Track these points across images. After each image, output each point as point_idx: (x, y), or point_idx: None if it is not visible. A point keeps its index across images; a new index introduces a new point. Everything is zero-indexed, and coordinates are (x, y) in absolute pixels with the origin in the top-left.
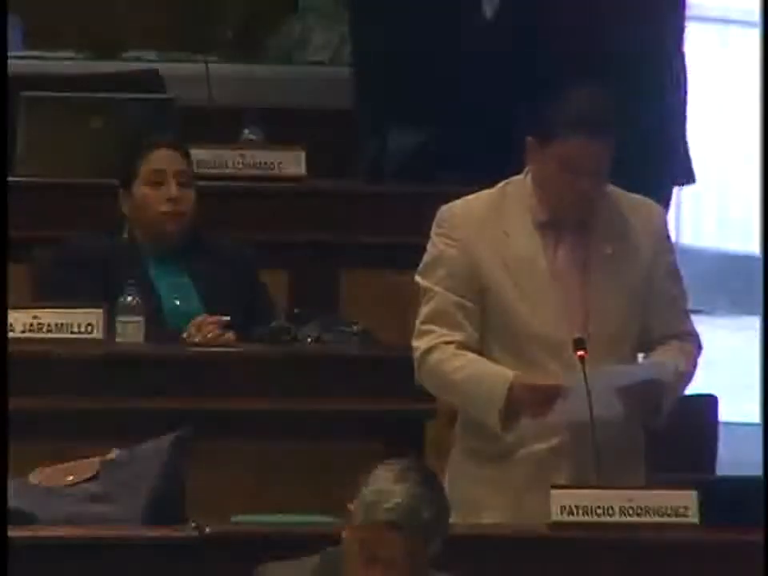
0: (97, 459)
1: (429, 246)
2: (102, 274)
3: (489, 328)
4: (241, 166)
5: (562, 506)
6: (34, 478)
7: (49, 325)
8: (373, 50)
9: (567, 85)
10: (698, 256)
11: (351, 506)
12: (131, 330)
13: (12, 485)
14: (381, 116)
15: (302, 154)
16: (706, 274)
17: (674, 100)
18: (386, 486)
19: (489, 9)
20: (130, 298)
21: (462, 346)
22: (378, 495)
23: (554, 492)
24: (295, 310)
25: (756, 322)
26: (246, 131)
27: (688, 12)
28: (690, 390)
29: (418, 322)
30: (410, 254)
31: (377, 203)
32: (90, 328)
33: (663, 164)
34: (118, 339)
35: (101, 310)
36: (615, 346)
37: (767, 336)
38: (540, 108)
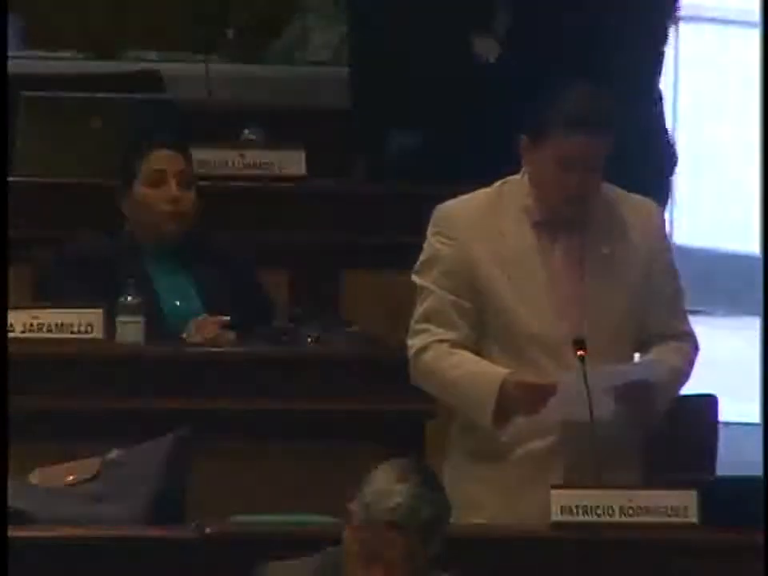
0: (97, 459)
1: (425, 246)
2: (101, 273)
3: (486, 327)
4: (241, 166)
5: (561, 506)
6: (33, 478)
7: (49, 325)
8: (372, 51)
9: (560, 84)
10: (693, 255)
11: (351, 506)
12: (131, 330)
13: (12, 485)
14: (380, 116)
15: (302, 154)
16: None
17: (659, 95)
18: (386, 486)
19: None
20: (129, 298)
21: (457, 345)
22: (379, 495)
23: (553, 492)
24: (295, 310)
25: (752, 322)
26: (246, 131)
27: (680, 12)
28: (690, 390)
29: (413, 320)
30: (409, 254)
31: (377, 203)
32: (90, 328)
33: (660, 160)
34: (117, 339)
35: (100, 310)
36: (612, 346)
37: (767, 336)
38: (533, 106)
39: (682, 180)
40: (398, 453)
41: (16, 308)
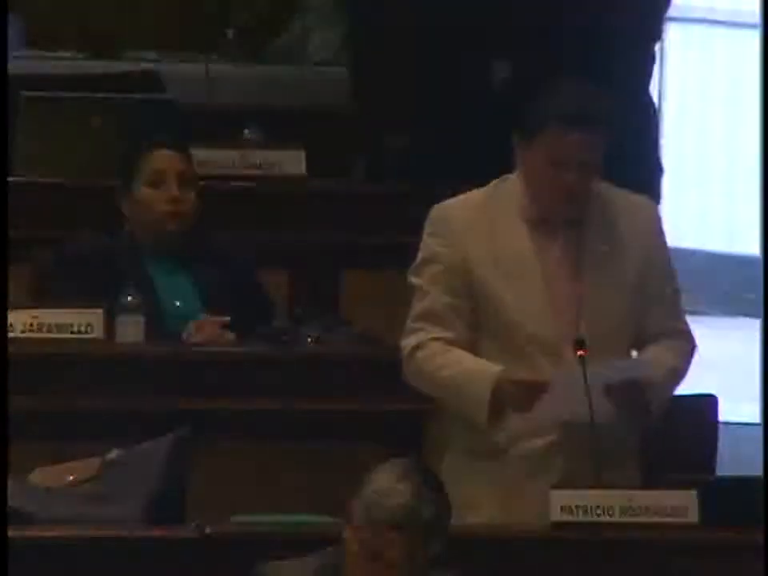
0: (97, 459)
1: (421, 246)
2: (101, 273)
3: (482, 327)
4: (241, 166)
5: (561, 506)
6: (34, 478)
7: (49, 325)
8: (373, 51)
9: (554, 83)
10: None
11: (351, 506)
12: (131, 330)
13: (12, 485)
14: (381, 116)
15: (302, 154)
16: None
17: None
18: (386, 485)
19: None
20: (130, 298)
21: (451, 344)
22: (379, 495)
23: (553, 492)
24: (295, 310)
25: (741, 322)
26: (246, 131)
27: (670, 13)
28: (690, 390)
29: (408, 320)
30: (409, 254)
31: (377, 203)
32: (89, 328)
33: (652, 158)
34: (118, 339)
35: (101, 310)
36: (609, 344)
37: (767, 336)
38: (527, 105)
39: (665, 181)
40: (397, 453)
41: (16, 308)
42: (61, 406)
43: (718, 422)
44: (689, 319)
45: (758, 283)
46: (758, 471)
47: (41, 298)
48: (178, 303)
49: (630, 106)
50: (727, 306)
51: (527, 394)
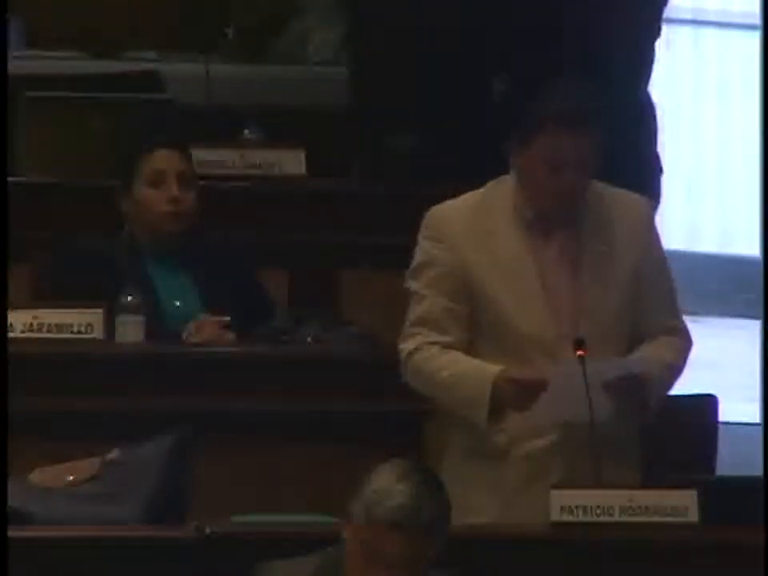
0: (97, 459)
1: (417, 250)
2: (101, 273)
3: (480, 329)
4: (241, 166)
5: (561, 506)
6: (34, 477)
7: (49, 325)
8: (373, 51)
9: (547, 84)
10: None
11: (351, 506)
12: (131, 330)
13: (12, 485)
14: (381, 116)
15: (302, 154)
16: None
17: (648, 94)
18: (387, 485)
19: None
20: (129, 298)
21: (449, 348)
22: (380, 495)
23: (553, 492)
24: (295, 310)
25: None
26: (246, 131)
27: (665, 14)
28: (691, 390)
29: (405, 324)
30: (409, 254)
31: (377, 203)
32: (89, 328)
33: (651, 158)
34: (117, 339)
35: (100, 310)
36: (606, 343)
37: (767, 337)
38: (519, 107)
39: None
40: (397, 453)
41: (16, 308)
42: (61, 406)
43: (717, 422)
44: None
45: (750, 284)
46: (758, 471)
47: (41, 297)
48: (177, 303)
49: (629, 105)
50: (716, 306)
51: (526, 392)
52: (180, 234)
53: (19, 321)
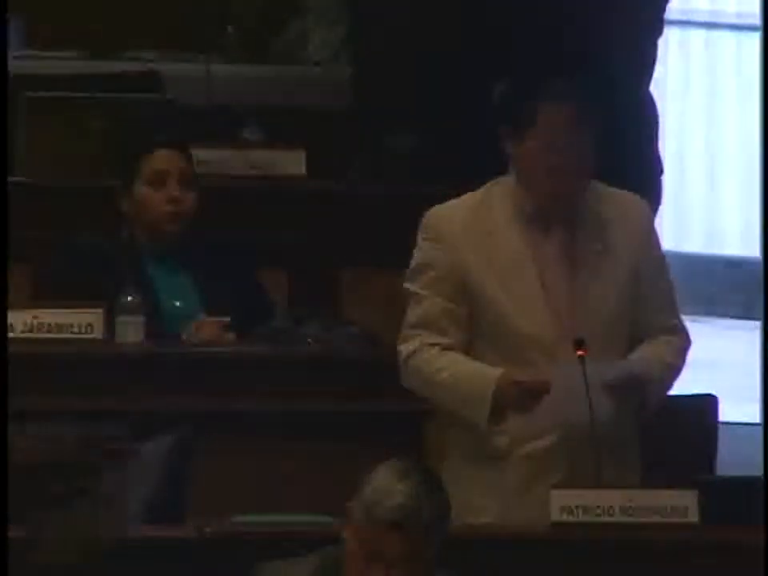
0: None
1: (415, 251)
2: (101, 273)
3: (479, 329)
4: (241, 166)
5: (561, 506)
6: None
7: (49, 325)
8: (374, 52)
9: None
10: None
11: (351, 506)
12: (131, 330)
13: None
14: (381, 116)
15: (302, 154)
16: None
17: (650, 93)
18: (387, 485)
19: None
20: (129, 298)
21: (448, 349)
22: (380, 495)
23: (553, 492)
24: (295, 310)
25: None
26: (246, 131)
27: (668, 15)
28: (691, 390)
29: (404, 326)
30: (409, 255)
31: (377, 203)
32: (89, 328)
33: (652, 157)
34: (117, 339)
35: (100, 310)
36: (606, 343)
37: (767, 336)
38: (514, 95)
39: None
40: (398, 453)
41: (16, 308)
42: (61, 406)
43: (717, 422)
44: None
45: (739, 284)
46: (758, 471)
47: (41, 297)
48: (177, 303)
49: (630, 105)
50: (705, 306)
51: (529, 395)
52: (180, 234)
53: (19, 321)
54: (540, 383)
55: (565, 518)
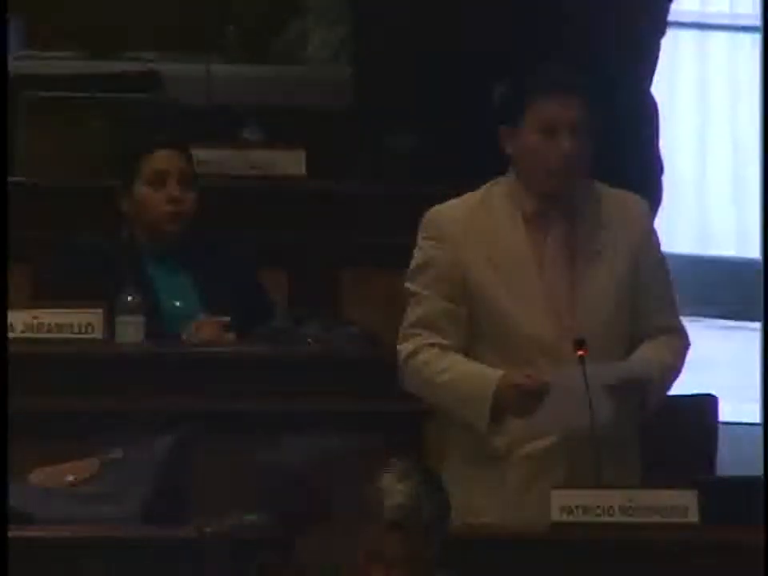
0: (97, 459)
1: (416, 251)
2: (101, 273)
3: (478, 329)
4: (241, 166)
5: (561, 506)
6: (34, 478)
7: (49, 325)
8: (374, 52)
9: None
10: None
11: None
12: (131, 330)
13: (12, 485)
14: (381, 116)
15: (302, 154)
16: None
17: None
18: (387, 485)
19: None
20: (129, 298)
21: (448, 350)
22: (380, 495)
23: (554, 492)
24: (295, 310)
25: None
26: (246, 131)
27: (672, 16)
28: (690, 390)
29: (404, 325)
30: (409, 255)
31: (377, 203)
32: (89, 328)
33: (652, 157)
34: (117, 339)
35: (100, 310)
36: (605, 343)
37: (767, 336)
38: (510, 95)
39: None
40: (397, 453)
41: (16, 308)
42: (61, 406)
43: (718, 422)
44: None
45: (730, 285)
46: (758, 471)
47: (41, 297)
48: (177, 303)
49: (631, 105)
50: (696, 307)
51: (530, 398)
52: (180, 234)
53: (19, 321)
54: (540, 385)
55: (565, 517)
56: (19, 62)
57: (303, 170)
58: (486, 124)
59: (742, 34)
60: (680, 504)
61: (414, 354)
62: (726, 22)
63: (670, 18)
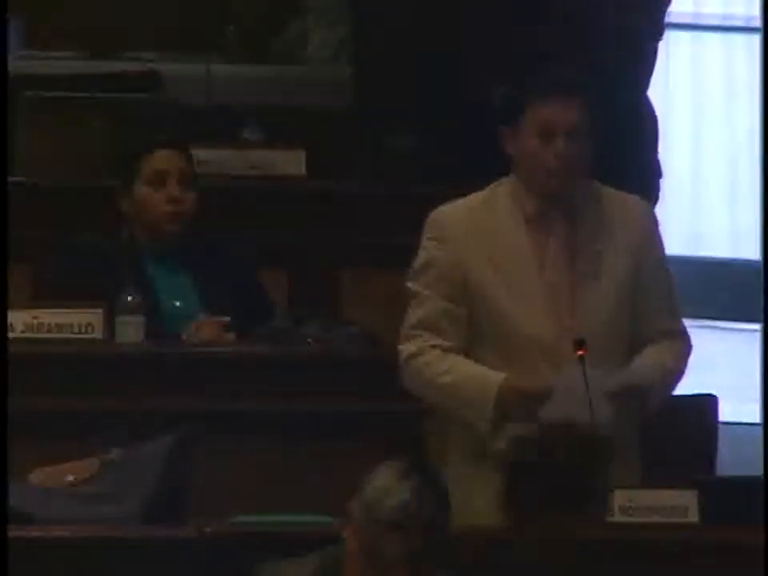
0: (97, 459)
1: (419, 251)
2: (101, 273)
3: (479, 329)
4: (241, 166)
5: None
6: (34, 478)
7: (49, 325)
8: (375, 52)
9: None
10: None
11: (351, 506)
12: (131, 330)
13: (12, 485)
14: (381, 116)
15: (302, 154)
16: None
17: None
18: (387, 485)
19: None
20: (129, 298)
21: (449, 351)
22: (380, 494)
23: None
24: (295, 310)
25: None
26: (246, 131)
27: (666, 18)
28: (691, 390)
29: (405, 326)
30: (409, 254)
31: (377, 203)
32: (89, 328)
33: (650, 160)
34: (117, 339)
35: (100, 310)
36: (606, 346)
37: (767, 337)
38: (509, 97)
39: None
40: (397, 453)
41: (16, 308)
42: (61, 406)
43: (718, 422)
44: None
45: (723, 286)
46: (758, 471)
47: (41, 297)
48: (177, 303)
49: (630, 108)
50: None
51: (531, 401)
52: (180, 234)
53: (19, 321)
54: (541, 389)
55: None
56: (19, 62)
57: (303, 170)
58: (486, 124)
59: (735, 34)
60: (680, 504)
61: (415, 355)
62: (719, 23)
63: (666, 19)
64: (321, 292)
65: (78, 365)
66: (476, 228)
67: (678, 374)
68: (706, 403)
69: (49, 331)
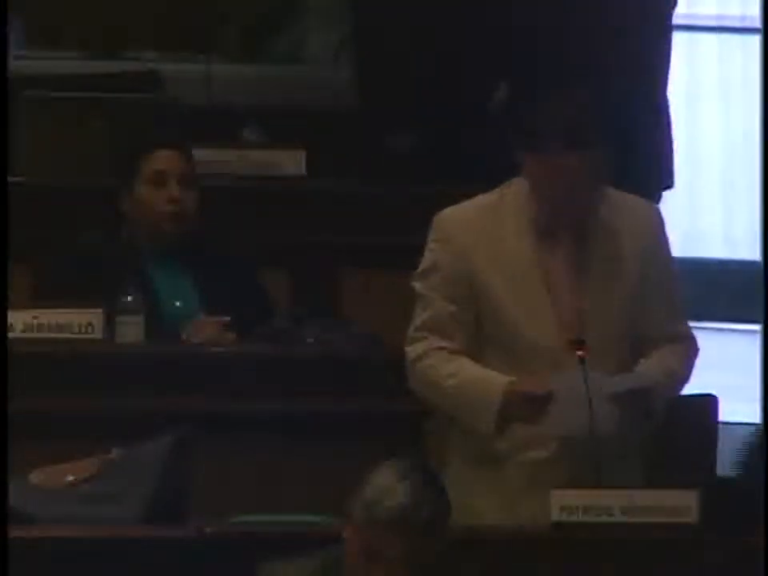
0: (97, 459)
1: (426, 253)
2: (101, 274)
3: (484, 334)
4: (241, 166)
5: (561, 506)
6: (34, 478)
7: (49, 325)
8: (376, 52)
9: (553, 94)
10: None
11: (351, 506)
12: (131, 330)
13: (12, 485)
14: (381, 117)
15: (302, 154)
16: None
17: (658, 102)
18: (387, 485)
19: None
20: (129, 298)
21: (455, 353)
22: (380, 495)
23: (554, 492)
24: (295, 310)
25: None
26: (246, 131)
27: (675, 21)
28: (690, 390)
29: (411, 328)
30: (410, 255)
31: (377, 203)
32: (89, 328)
33: (652, 169)
34: (117, 339)
35: (100, 310)
36: (613, 351)
37: (767, 337)
38: (525, 119)
39: None
40: (397, 453)
41: (16, 308)
42: (61, 406)
43: (717, 422)
44: None
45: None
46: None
47: (41, 297)
48: (177, 303)
49: (641, 110)
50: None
51: (536, 405)
52: (180, 234)
53: (19, 321)
54: (545, 393)
55: (565, 517)
56: (19, 62)
57: (303, 170)
58: (486, 124)
59: (731, 35)
60: (680, 504)
61: (420, 357)
62: (714, 23)
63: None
64: (321, 292)
65: (78, 365)
66: (483, 233)
67: (684, 377)
68: (706, 403)
69: (49, 331)
